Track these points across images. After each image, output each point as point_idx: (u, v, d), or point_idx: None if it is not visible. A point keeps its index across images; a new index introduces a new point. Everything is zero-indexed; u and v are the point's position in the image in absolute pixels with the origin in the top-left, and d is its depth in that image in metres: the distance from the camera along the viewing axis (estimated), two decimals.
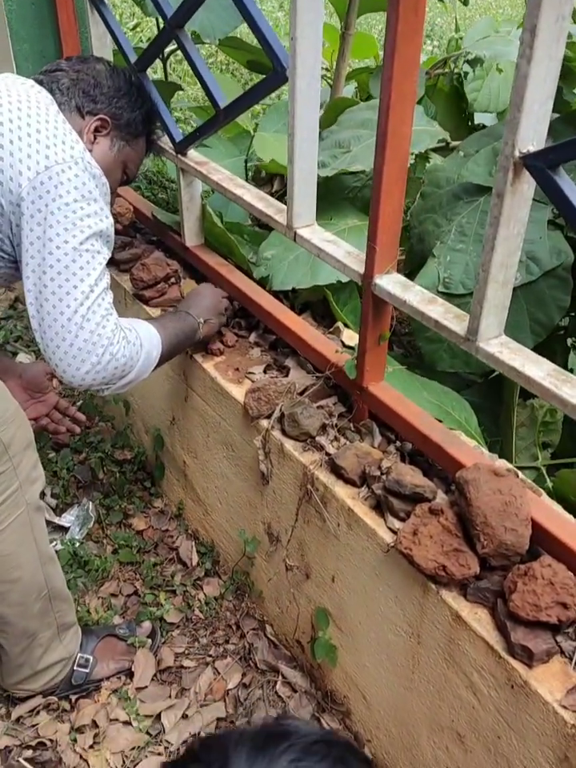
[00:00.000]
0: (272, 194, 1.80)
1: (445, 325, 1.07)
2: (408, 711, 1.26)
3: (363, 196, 1.76)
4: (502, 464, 1.18)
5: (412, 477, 1.16)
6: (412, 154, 1.61)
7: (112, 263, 1.76)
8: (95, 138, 1.33)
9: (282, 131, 1.83)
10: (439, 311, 1.10)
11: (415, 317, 1.13)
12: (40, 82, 1.28)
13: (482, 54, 1.91)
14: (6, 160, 1.13)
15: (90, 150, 1.28)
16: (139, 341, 1.27)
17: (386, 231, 1.12)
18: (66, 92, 1.29)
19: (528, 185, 0.90)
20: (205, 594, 1.74)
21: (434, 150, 1.71)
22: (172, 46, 1.57)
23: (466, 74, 2.03)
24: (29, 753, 1.41)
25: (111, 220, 1.23)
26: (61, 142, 1.17)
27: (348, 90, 2.41)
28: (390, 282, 1.16)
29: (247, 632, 1.64)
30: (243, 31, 4.00)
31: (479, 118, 2.20)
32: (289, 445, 1.35)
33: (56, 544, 1.78)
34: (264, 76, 1.28)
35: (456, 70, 2.07)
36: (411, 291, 1.14)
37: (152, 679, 1.55)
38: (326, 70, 2.42)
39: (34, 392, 1.56)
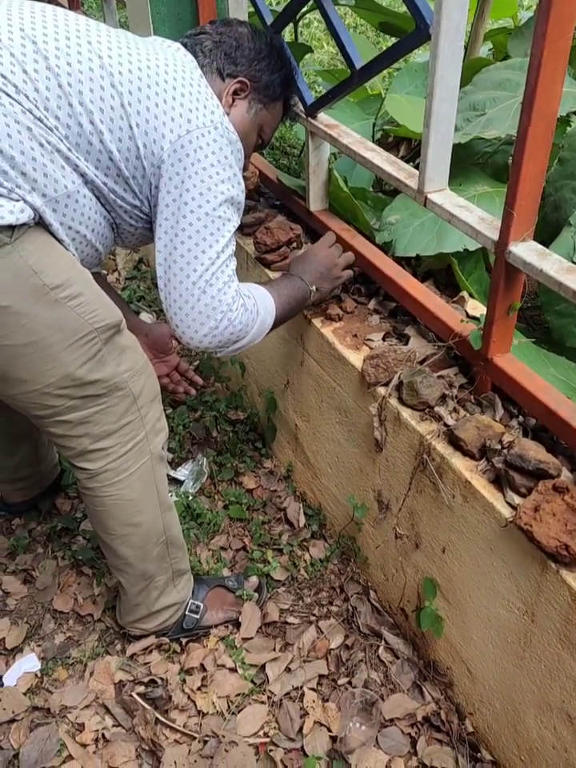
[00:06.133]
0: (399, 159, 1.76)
1: None
2: (515, 688, 1.24)
3: (495, 162, 1.69)
4: None
5: (536, 452, 1.13)
6: None
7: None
8: (233, 101, 1.33)
9: (414, 93, 1.78)
10: None
11: (551, 287, 1.08)
12: (185, 45, 1.30)
13: None
14: (151, 122, 1.16)
15: (228, 113, 1.30)
16: (256, 308, 1.29)
17: (526, 196, 1.08)
18: (209, 54, 1.30)
19: None
20: (310, 555, 1.77)
21: None
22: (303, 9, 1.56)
23: None
24: (141, 688, 1.50)
25: (243, 186, 1.25)
26: (202, 106, 1.19)
27: (482, 51, 2.31)
28: (526, 250, 1.12)
29: (351, 596, 1.66)
30: None
31: None
32: (406, 413, 1.34)
33: (171, 496, 1.86)
34: (396, 38, 1.25)
35: None
36: (548, 260, 1.10)
37: (257, 631, 1.60)
38: None
39: (157, 352, 1.63)
